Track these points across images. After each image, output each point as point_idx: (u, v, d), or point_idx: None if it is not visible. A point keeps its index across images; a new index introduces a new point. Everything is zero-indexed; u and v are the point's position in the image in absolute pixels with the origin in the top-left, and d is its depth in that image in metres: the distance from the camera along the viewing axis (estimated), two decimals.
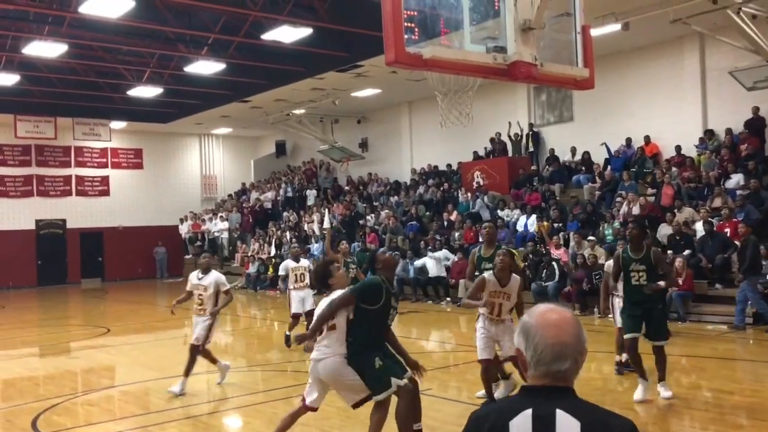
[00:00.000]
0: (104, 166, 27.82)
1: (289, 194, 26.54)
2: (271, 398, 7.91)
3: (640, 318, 6.88)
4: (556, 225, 16.03)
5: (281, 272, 11.73)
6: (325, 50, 17.78)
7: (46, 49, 17.20)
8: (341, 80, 19.97)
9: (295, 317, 11.08)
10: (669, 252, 12.76)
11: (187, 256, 27.64)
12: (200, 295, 8.33)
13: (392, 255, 5.77)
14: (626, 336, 6.96)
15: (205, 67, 19.24)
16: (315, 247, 21.19)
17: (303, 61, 18.80)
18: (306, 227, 23.19)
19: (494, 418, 1.84)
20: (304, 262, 11.61)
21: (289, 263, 11.49)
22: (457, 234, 17.68)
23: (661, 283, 6.84)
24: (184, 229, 27.71)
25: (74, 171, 27.14)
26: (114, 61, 19.62)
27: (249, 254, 23.54)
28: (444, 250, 16.83)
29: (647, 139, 17.37)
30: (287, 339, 10.88)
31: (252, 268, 22.57)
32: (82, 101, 23.11)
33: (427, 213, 19.95)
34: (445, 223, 18.72)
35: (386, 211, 20.77)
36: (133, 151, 28.49)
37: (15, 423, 7.09)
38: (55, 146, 26.24)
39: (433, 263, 16.67)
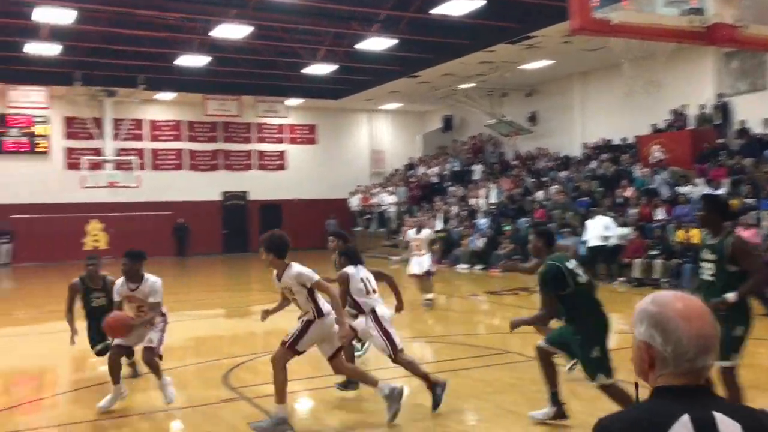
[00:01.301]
0: (282, 141, 29.41)
1: (456, 169, 26.56)
2: (437, 369, 8.00)
3: None
4: (747, 202, 14.72)
5: (406, 239, 13.50)
6: (495, 22, 17.47)
7: (232, 31, 18.36)
8: (511, 53, 19.56)
9: (416, 276, 12.74)
10: None
11: (356, 229, 28.64)
12: (140, 307, 6.68)
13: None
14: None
15: (377, 43, 19.62)
16: (482, 223, 21.09)
17: (472, 34, 18.61)
18: (473, 202, 23.13)
19: (644, 428, 1.59)
20: (424, 233, 13.09)
21: (410, 233, 13.30)
22: (633, 211, 16.80)
23: (729, 295, 4.84)
24: (354, 203, 28.68)
25: (255, 146, 28.95)
26: (292, 40, 20.56)
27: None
28: (607, 218, 15.86)
29: None
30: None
31: None
32: (262, 80, 24.50)
33: (600, 189, 19.13)
34: (620, 199, 17.85)
35: (556, 186, 20.17)
36: (307, 126, 29.84)
37: (208, 377, 7.75)
38: (239, 123, 28.11)
39: (593, 228, 15.75)
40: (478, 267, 19.63)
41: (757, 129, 17.55)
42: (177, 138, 27.60)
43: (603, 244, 15.56)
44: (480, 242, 20.10)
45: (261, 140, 29.05)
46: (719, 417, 1.59)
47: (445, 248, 21.76)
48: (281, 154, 29.44)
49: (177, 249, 26.60)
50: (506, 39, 18.38)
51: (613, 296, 14.41)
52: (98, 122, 25.61)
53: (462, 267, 20.19)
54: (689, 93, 18.90)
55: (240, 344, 10.01)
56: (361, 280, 6.63)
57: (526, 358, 8.38)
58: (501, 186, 22.75)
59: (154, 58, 21.44)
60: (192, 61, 21.38)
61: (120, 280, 6.74)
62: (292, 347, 5.81)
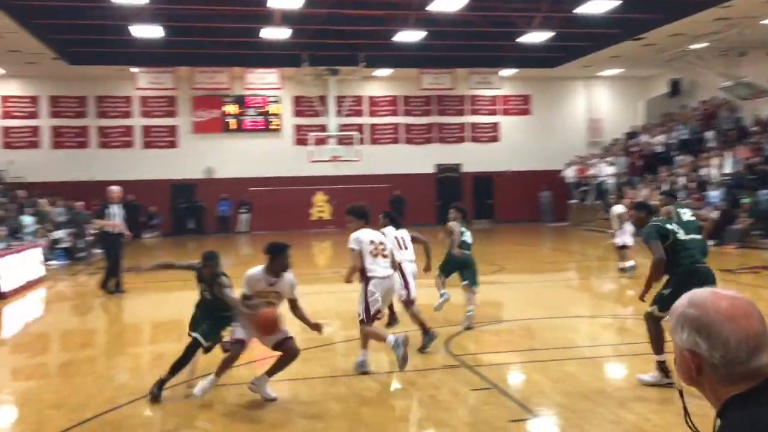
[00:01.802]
0: (494, 113, 29.22)
1: (684, 136, 24.59)
2: (668, 348, 7.55)
3: None
4: None
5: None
6: None
7: (448, 3, 18.47)
8: (752, 6, 17.59)
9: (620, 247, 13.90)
10: None
11: (571, 201, 27.75)
12: (272, 303, 6.08)
13: None
14: None
15: (597, 6, 18.65)
16: (713, 195, 19.39)
17: None
18: (703, 172, 21.31)
19: None
20: (612, 210, 14.82)
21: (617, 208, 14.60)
22: None
23: None
24: (569, 174, 27.76)
25: (468, 119, 29.06)
26: (506, 9, 20.22)
27: (638, 200, 22.60)
28: None
29: None
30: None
31: None
32: (476, 51, 24.44)
33: None
34: None
35: None
36: (521, 97, 29.32)
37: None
38: (453, 96, 28.37)
39: None
40: (709, 243, 18.10)
41: None
42: (393, 113, 28.54)
43: None
44: (713, 215, 18.47)
45: (474, 112, 29.09)
46: None
47: None
48: (494, 126, 29.27)
49: None
50: None
51: None
52: (323, 100, 27.27)
53: None
54: None
55: (459, 313, 10.19)
56: (395, 238, 7.95)
57: None
58: (737, 155, 20.68)
59: (373, 36, 22.27)
60: (408, 36, 21.88)
61: (257, 273, 6.05)
62: (371, 319, 6.64)
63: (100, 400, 6.10)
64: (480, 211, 28.98)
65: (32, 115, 26.01)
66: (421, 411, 5.70)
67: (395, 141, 28.58)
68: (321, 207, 28.05)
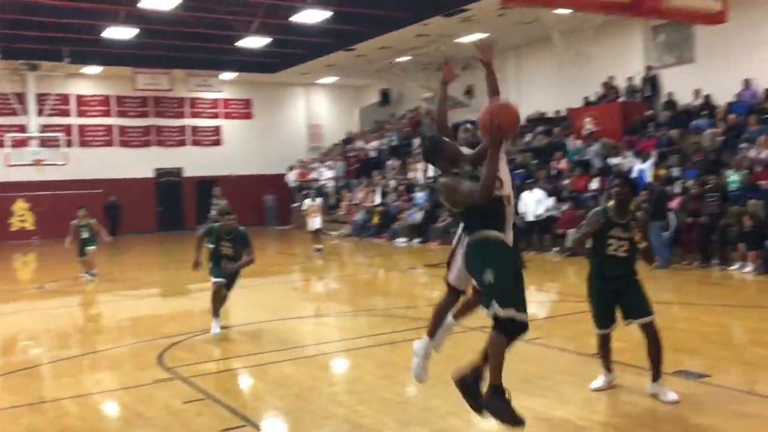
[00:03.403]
0: (216, 116, 28.81)
1: (394, 143, 26.56)
2: (377, 342, 8.05)
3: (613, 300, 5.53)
4: (674, 173, 15.22)
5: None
6: None
7: (160, 1, 17.75)
8: (447, 26, 19.59)
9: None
10: None
11: (294, 205, 28.40)
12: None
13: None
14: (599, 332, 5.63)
15: (311, 15, 19.32)
16: (419, 196, 21.22)
17: (408, 7, 18.53)
18: (411, 176, 23.21)
19: None
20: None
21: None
22: (566, 182, 17.17)
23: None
24: (292, 178, 28.41)
25: (189, 121, 28.27)
26: (223, 12, 20.04)
27: (354, 203, 23.88)
28: (538, 191, 16.46)
29: None
30: None
31: (357, 216, 22.93)
32: (194, 53, 23.84)
33: (535, 161, 19.45)
34: (554, 171, 18.19)
35: None
36: (243, 101, 29.31)
37: (143, 357, 7.58)
38: (171, 97, 27.37)
39: (529, 201, 16.32)
40: (416, 240, 19.79)
41: (684, 101, 18.10)
42: (106, 113, 26.71)
43: (538, 214, 16.02)
44: (418, 216, 20.23)
45: (195, 115, 28.39)
46: None
47: (384, 222, 21.84)
48: (216, 130, 28.86)
49: (109, 228, 25.81)
50: (441, 12, 18.38)
51: (547, 266, 14.77)
52: (21, 98, 24.51)
53: (400, 241, 20.32)
54: (619, 66, 19.38)
55: (177, 323, 9.83)
56: None
57: (463, 329, 8.50)
58: None
59: (79, 30, 20.58)
60: (119, 33, 20.59)
61: None
62: None
63: None
64: (204, 216, 28.28)
65: None
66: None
67: (109, 143, 26.76)
68: (22, 215, 25.20)
